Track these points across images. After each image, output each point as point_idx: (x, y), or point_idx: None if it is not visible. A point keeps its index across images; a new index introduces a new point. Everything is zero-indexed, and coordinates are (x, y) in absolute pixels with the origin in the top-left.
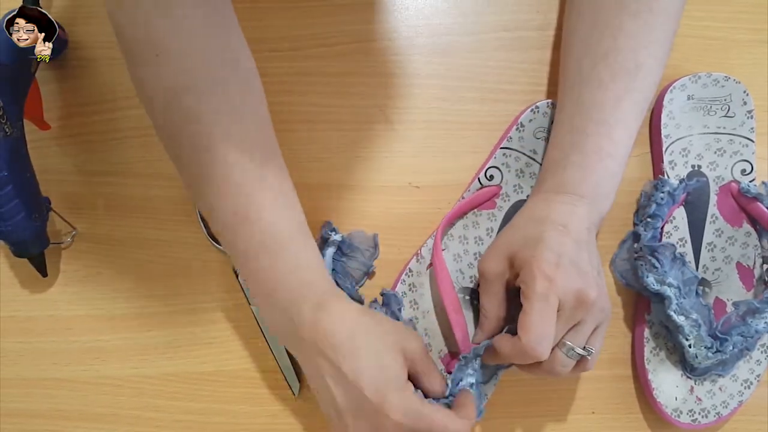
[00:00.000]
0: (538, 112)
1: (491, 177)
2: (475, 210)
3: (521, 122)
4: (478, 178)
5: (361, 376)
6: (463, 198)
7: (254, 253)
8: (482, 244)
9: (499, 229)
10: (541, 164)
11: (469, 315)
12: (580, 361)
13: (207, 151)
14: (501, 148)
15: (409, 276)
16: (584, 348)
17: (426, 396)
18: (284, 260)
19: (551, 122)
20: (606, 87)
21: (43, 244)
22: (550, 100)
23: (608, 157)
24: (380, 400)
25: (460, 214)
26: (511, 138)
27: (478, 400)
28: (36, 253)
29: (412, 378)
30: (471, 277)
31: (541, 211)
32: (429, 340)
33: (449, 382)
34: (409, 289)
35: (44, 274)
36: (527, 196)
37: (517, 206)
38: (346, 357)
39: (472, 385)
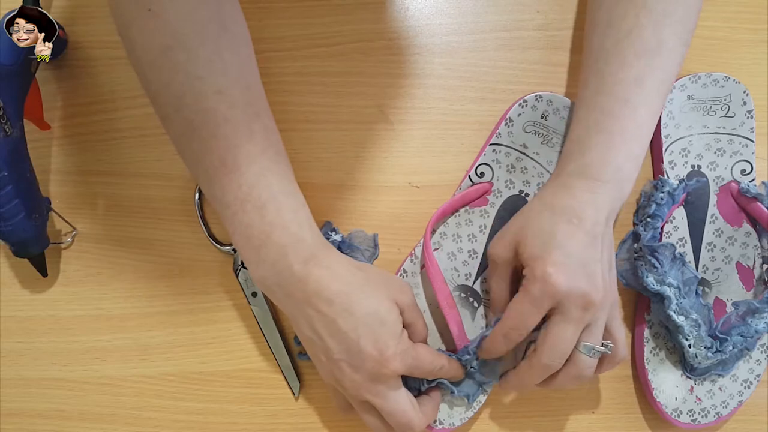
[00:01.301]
0: (526, 105)
1: (482, 174)
2: (467, 207)
3: (510, 117)
4: (469, 176)
5: (358, 330)
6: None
7: (241, 207)
8: (476, 241)
9: (492, 226)
10: (531, 158)
11: (465, 312)
12: (605, 357)
13: (195, 104)
14: (490, 144)
15: (403, 276)
16: (603, 344)
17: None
18: (271, 214)
19: (541, 116)
20: (630, 65)
21: (43, 244)
22: (537, 93)
23: (632, 139)
24: (380, 353)
25: (451, 211)
26: (500, 134)
27: (476, 390)
28: (36, 253)
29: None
30: (466, 274)
31: (560, 198)
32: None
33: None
34: None
35: (44, 274)
36: (519, 191)
37: (509, 202)
38: (341, 312)
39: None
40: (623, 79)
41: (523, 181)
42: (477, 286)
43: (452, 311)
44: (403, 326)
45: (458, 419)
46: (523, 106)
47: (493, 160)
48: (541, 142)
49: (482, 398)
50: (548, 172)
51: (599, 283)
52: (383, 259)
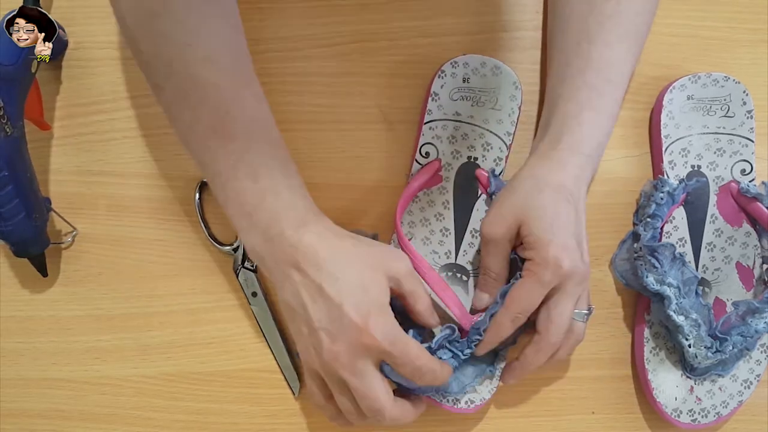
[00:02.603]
0: (445, 75)
1: (427, 154)
2: (425, 190)
3: (434, 92)
4: (416, 160)
5: (343, 296)
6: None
7: (233, 173)
8: (443, 218)
9: (454, 199)
10: (467, 123)
11: (457, 288)
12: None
13: (184, 71)
14: (425, 123)
15: None
16: (588, 308)
17: (414, 318)
18: (264, 179)
19: (463, 80)
20: (613, 47)
21: (44, 244)
22: (451, 60)
23: (612, 117)
24: (362, 320)
25: (411, 198)
26: (430, 110)
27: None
28: (36, 253)
29: (400, 298)
30: (446, 253)
31: (556, 175)
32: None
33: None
34: None
35: (44, 274)
36: (468, 158)
37: (462, 171)
38: (328, 277)
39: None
40: (608, 60)
41: (468, 147)
42: (461, 261)
43: (447, 293)
44: (402, 295)
45: (487, 392)
46: (442, 77)
47: (433, 137)
48: (471, 105)
49: (502, 364)
50: (488, 131)
51: (587, 258)
52: None
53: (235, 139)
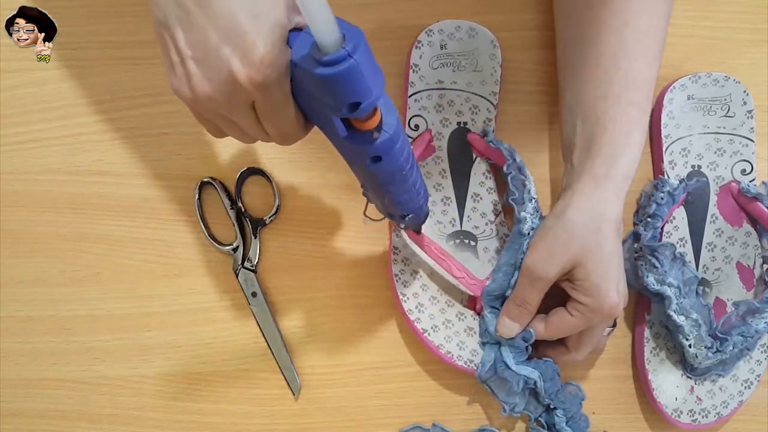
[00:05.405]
0: (422, 45)
1: (416, 126)
2: (420, 162)
3: (413, 63)
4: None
5: (220, 20)
6: None
7: None
8: (443, 188)
9: (451, 167)
10: (452, 89)
11: (466, 255)
12: None
13: None
14: (409, 96)
15: (396, 253)
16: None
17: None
18: None
19: (440, 47)
20: (650, 66)
21: None
22: (426, 29)
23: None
24: (242, 54)
25: None
26: (412, 82)
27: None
28: None
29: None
30: (451, 221)
31: (611, 206)
32: (447, 296)
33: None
34: (405, 264)
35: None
36: (458, 124)
37: (455, 137)
38: None
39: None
40: (648, 77)
41: (456, 113)
42: (466, 227)
43: (449, 261)
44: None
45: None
46: (419, 47)
47: (419, 109)
48: (453, 71)
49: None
50: (473, 94)
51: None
52: (382, 259)
53: None
